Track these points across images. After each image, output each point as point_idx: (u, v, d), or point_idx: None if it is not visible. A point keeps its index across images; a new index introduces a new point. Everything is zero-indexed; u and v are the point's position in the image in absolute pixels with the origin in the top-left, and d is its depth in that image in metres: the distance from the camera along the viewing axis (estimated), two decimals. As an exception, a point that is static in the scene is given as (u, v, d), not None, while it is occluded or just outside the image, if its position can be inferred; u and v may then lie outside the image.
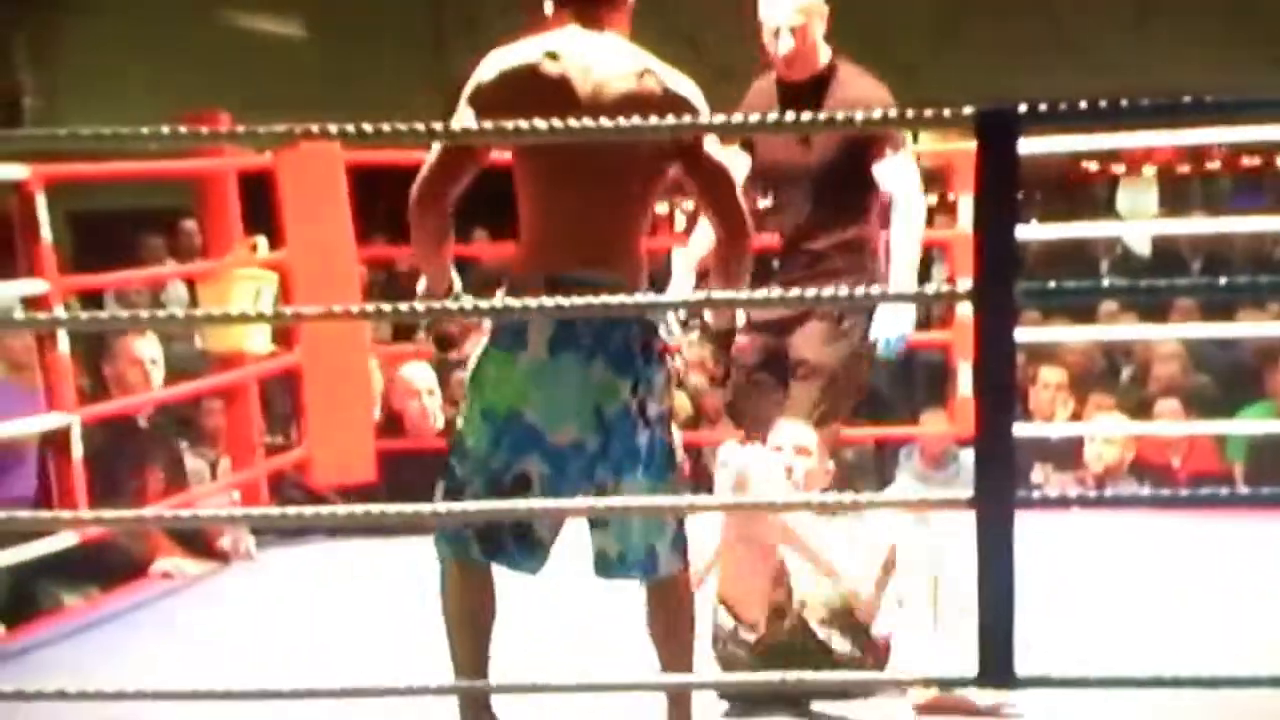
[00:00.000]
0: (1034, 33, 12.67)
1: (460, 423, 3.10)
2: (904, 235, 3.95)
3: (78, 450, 4.42)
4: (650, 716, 3.06)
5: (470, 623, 3.06)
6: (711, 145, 3.04)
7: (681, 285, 3.95)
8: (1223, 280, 2.70)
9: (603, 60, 2.99)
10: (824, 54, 4.08)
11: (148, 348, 5.08)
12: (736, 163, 3.65)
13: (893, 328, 3.93)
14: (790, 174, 4.09)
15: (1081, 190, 14.75)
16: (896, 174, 3.97)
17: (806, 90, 4.02)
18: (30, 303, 4.44)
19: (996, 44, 12.87)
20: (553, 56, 2.97)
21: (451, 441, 3.13)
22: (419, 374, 5.74)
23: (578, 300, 2.59)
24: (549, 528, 3.02)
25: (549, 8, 3.09)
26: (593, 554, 3.06)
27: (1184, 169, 14.71)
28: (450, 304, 3.04)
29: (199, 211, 5.55)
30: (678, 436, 3.10)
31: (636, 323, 2.98)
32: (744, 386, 4.20)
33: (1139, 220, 12.85)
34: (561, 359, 2.95)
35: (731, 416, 5.01)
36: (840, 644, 3.57)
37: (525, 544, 3.00)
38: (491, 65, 3.00)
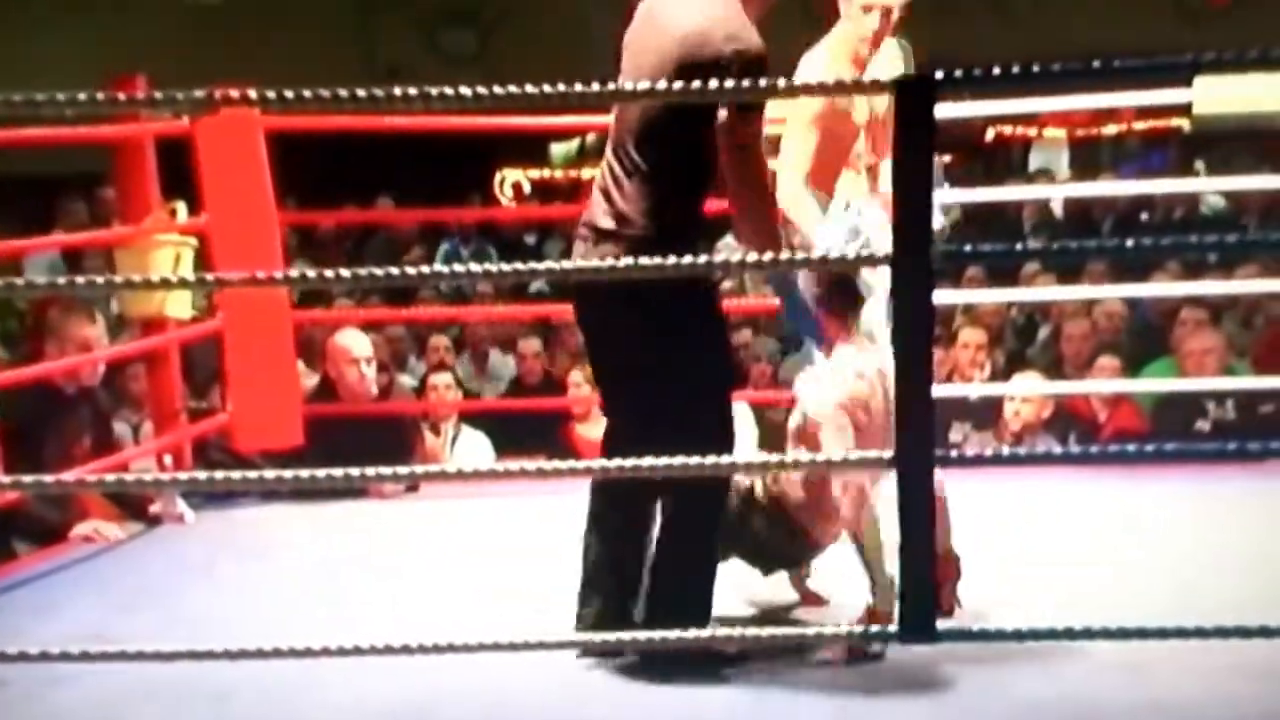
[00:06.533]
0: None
1: None
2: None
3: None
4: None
5: None
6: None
7: None
8: (1130, 242, 2.79)
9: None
10: None
11: (94, 333, 5.09)
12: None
13: None
14: None
15: (997, 154, 14.89)
16: None
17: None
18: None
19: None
20: None
21: None
22: (356, 342, 5.77)
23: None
24: None
25: None
26: None
27: (1092, 131, 14.86)
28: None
29: (116, 177, 5.47)
30: None
31: None
32: None
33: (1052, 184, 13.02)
34: None
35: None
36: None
37: None
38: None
